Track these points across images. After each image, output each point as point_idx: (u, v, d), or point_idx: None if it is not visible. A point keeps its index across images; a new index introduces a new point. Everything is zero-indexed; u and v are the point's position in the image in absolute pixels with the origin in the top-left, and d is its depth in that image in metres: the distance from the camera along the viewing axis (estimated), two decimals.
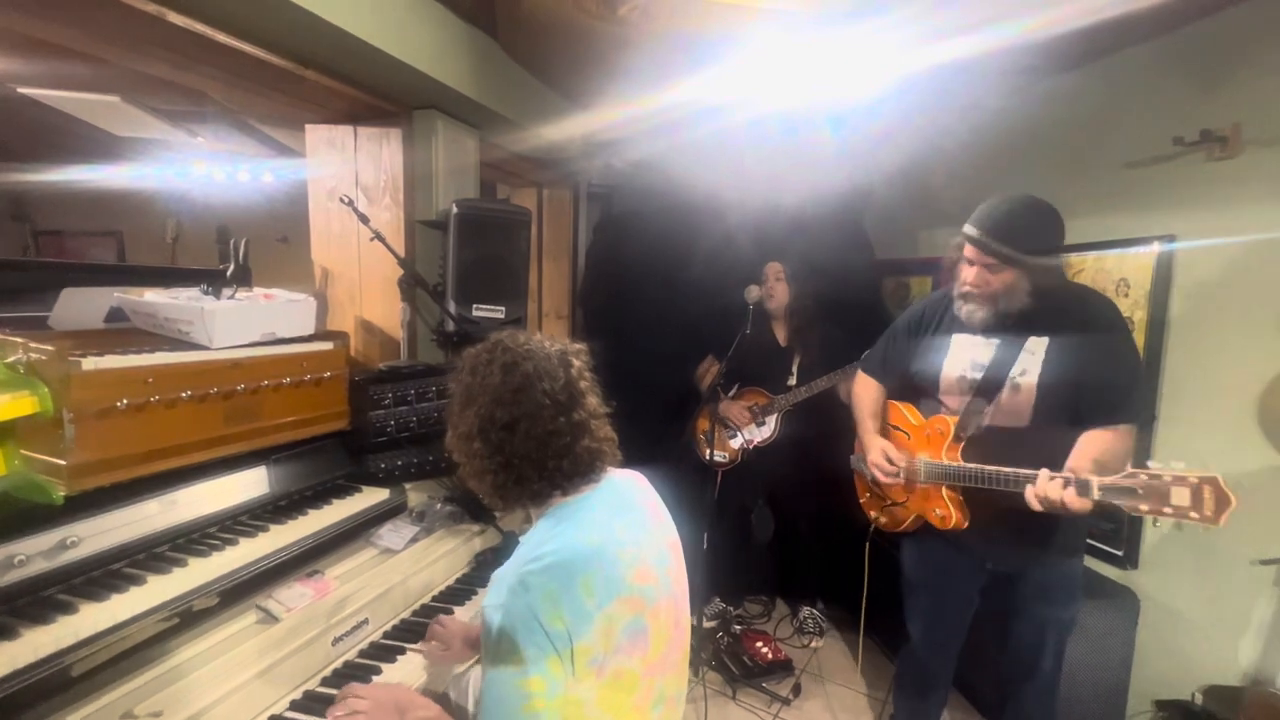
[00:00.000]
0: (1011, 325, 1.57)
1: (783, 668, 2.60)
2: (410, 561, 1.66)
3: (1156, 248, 2.02)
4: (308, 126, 2.27)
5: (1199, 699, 1.94)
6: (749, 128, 2.62)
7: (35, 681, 0.95)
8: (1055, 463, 1.42)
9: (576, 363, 1.09)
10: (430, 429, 1.87)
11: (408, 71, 1.81)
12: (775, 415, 2.76)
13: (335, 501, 1.64)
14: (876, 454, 1.78)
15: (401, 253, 2.06)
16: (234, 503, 1.44)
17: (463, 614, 1.60)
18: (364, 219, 1.94)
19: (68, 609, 1.07)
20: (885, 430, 1.88)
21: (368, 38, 1.59)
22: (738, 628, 2.83)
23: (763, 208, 2.99)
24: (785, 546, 3.01)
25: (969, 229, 1.55)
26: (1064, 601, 1.69)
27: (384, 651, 1.43)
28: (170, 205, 4.33)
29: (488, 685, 0.93)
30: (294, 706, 1.24)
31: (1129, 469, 1.31)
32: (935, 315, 1.76)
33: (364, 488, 1.74)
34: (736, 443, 2.79)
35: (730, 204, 3.10)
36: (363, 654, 1.42)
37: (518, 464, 1.01)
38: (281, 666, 1.26)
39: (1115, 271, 2.15)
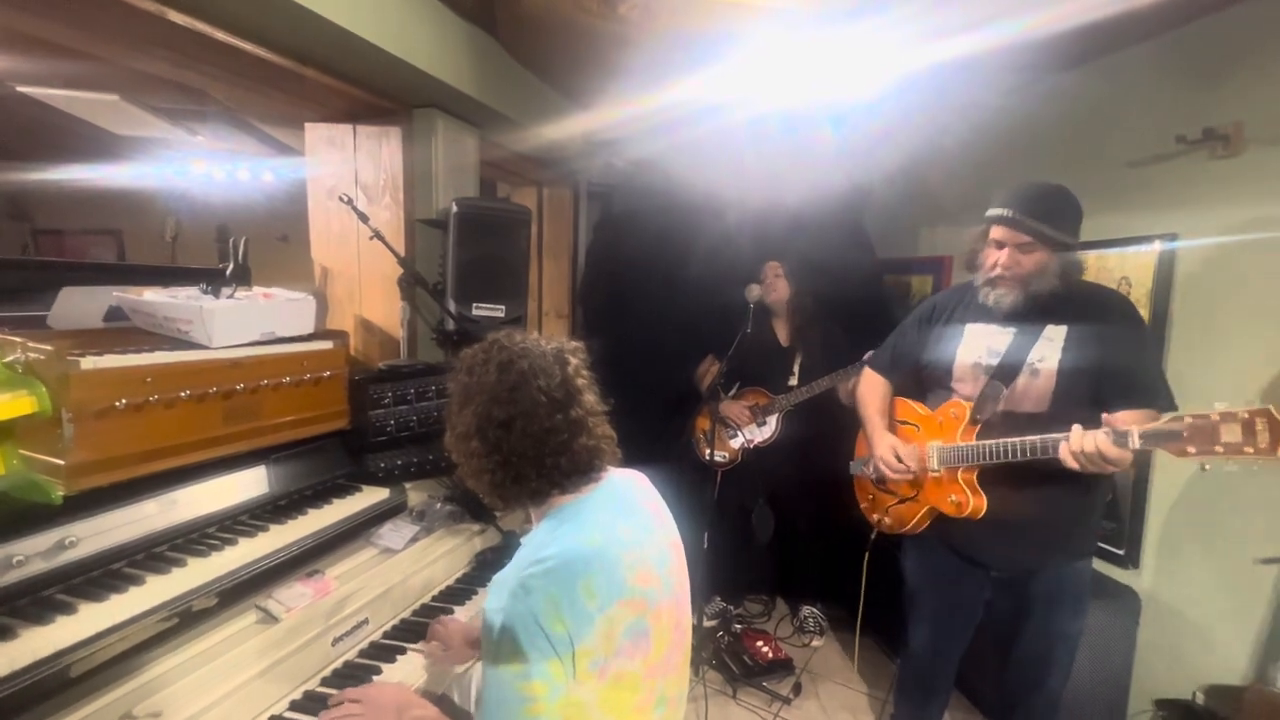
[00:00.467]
0: (1030, 314, 1.56)
1: (783, 667, 2.60)
2: (410, 561, 1.66)
3: (1158, 246, 2.01)
4: (307, 125, 2.27)
5: (1200, 698, 1.94)
6: (749, 126, 2.62)
7: (34, 682, 0.94)
8: None
9: (573, 360, 1.08)
10: (430, 428, 1.86)
11: (407, 70, 1.81)
12: (776, 415, 2.76)
13: (335, 501, 1.64)
14: (885, 449, 1.75)
15: (401, 251, 2.05)
16: (233, 502, 1.44)
17: (463, 613, 1.60)
18: (364, 218, 1.94)
19: (67, 609, 1.06)
20: (892, 427, 1.86)
21: (368, 36, 1.59)
22: (738, 627, 2.83)
23: (763, 206, 2.98)
24: (785, 546, 3.01)
25: (999, 210, 1.54)
26: (1072, 611, 1.67)
27: (384, 651, 1.43)
28: (170, 204, 4.33)
29: (488, 687, 0.92)
30: (294, 707, 1.23)
31: (1178, 415, 1.27)
32: (949, 307, 1.76)
33: (364, 487, 1.73)
34: (737, 442, 2.78)
35: (730, 203, 3.09)
36: (363, 654, 1.42)
37: (515, 462, 1.01)
38: (281, 667, 1.26)
39: (1117, 270, 2.15)
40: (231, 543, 1.36)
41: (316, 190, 2.29)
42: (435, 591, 1.69)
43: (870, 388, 1.93)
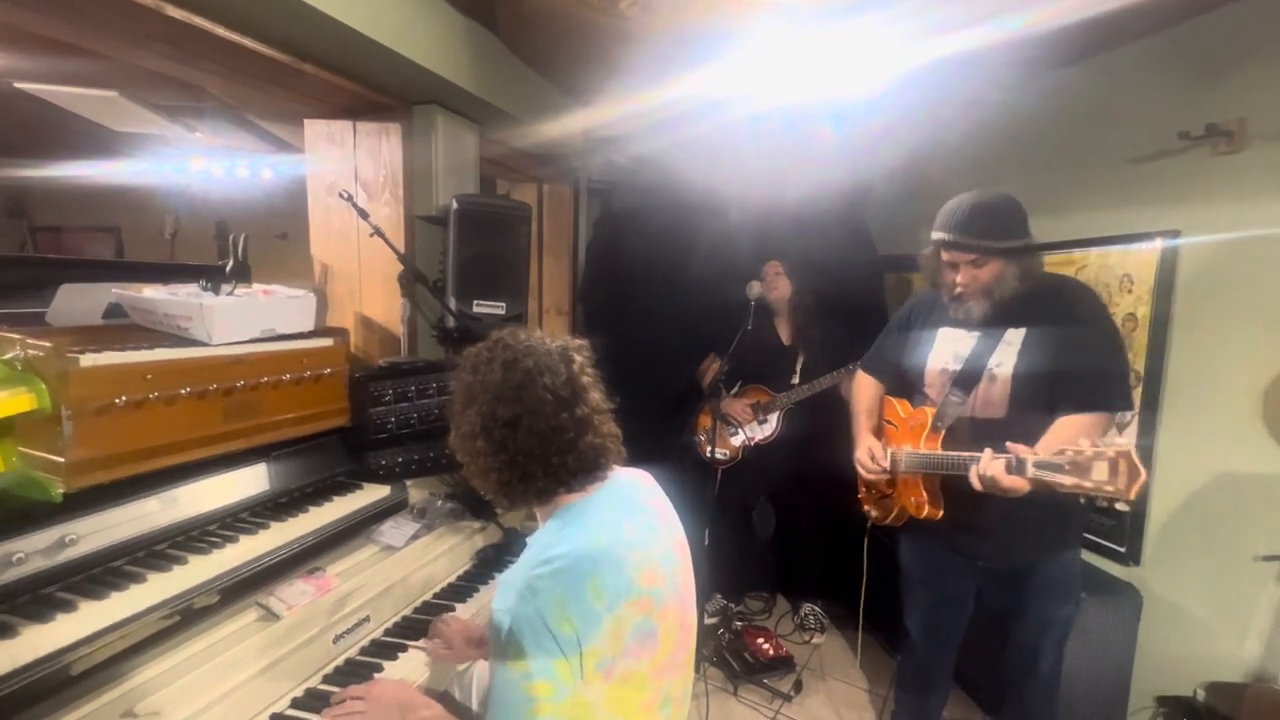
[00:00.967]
0: (994, 318, 1.59)
1: (784, 664, 2.60)
2: (411, 558, 1.66)
3: (1160, 243, 2.01)
4: (306, 121, 2.26)
5: (1201, 695, 1.94)
6: (750, 123, 2.61)
7: (35, 680, 0.94)
8: None
9: (578, 358, 1.08)
10: (431, 425, 1.86)
11: (407, 65, 1.80)
12: (777, 413, 2.76)
13: (336, 498, 1.64)
14: (862, 451, 1.82)
15: (401, 248, 2.04)
16: (234, 500, 1.44)
17: (464, 611, 1.59)
18: (364, 214, 1.93)
19: (68, 607, 1.06)
20: (880, 425, 1.90)
21: (367, 31, 1.58)
22: (739, 624, 2.83)
23: (764, 203, 2.97)
24: (786, 543, 3.01)
25: (939, 235, 1.59)
26: (1061, 599, 1.68)
27: (385, 649, 1.43)
28: (168, 201, 4.33)
29: (495, 687, 0.92)
30: (296, 704, 1.23)
31: (1061, 448, 1.31)
32: (924, 310, 1.80)
33: (365, 485, 1.73)
34: (738, 440, 2.78)
35: (731, 200, 3.08)
36: (364, 651, 1.42)
37: (522, 461, 1.00)
38: (283, 664, 1.25)
39: (1119, 267, 2.14)
40: (232, 540, 1.36)
41: (316, 187, 2.28)
42: (436, 589, 1.69)
43: (860, 387, 1.98)
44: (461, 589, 1.70)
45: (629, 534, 1.00)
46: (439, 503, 1.85)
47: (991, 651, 1.85)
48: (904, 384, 1.85)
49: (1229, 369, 1.87)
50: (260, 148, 3.43)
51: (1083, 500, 1.59)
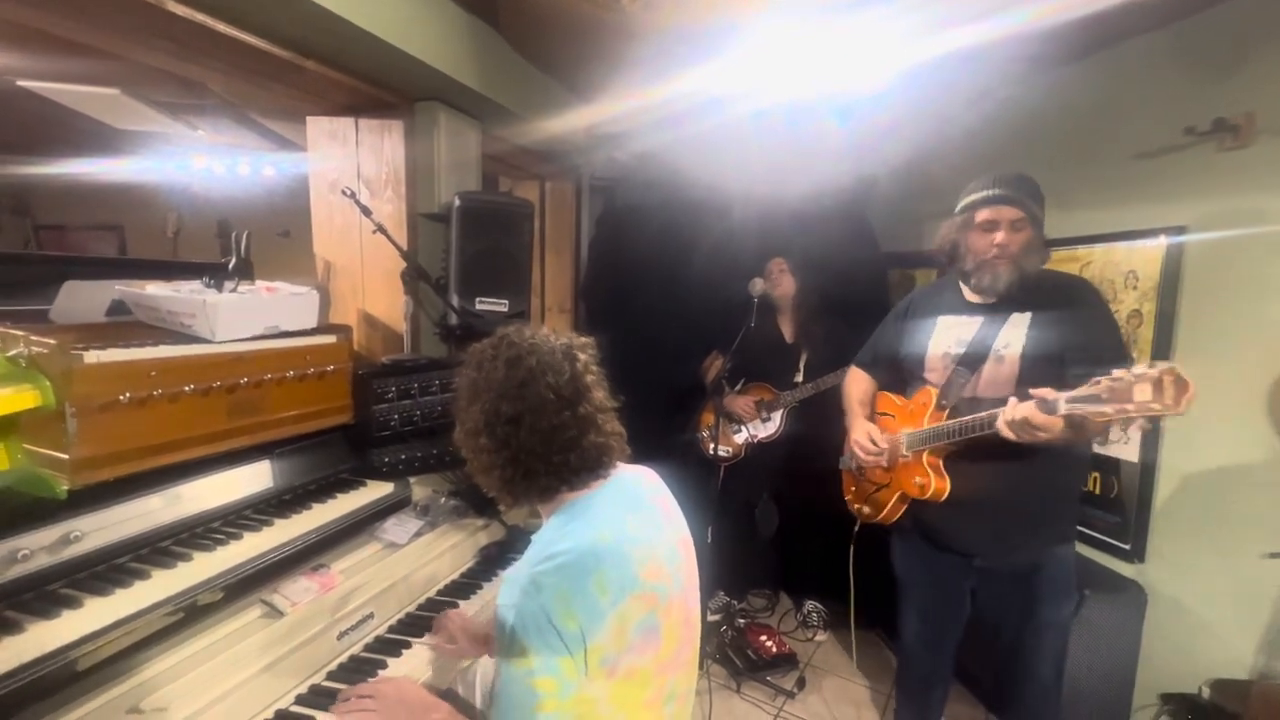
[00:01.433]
0: (997, 303, 1.61)
1: (787, 661, 2.60)
2: (415, 556, 1.66)
3: (1166, 240, 2.00)
4: (308, 119, 2.25)
5: (1206, 692, 1.93)
6: (753, 119, 2.60)
7: (40, 676, 0.94)
8: None
9: (582, 356, 1.08)
10: (434, 423, 1.86)
11: (409, 62, 1.79)
12: (781, 411, 2.75)
13: (339, 495, 1.64)
14: (860, 434, 1.81)
15: (404, 245, 2.04)
16: (238, 497, 1.44)
17: (468, 608, 1.60)
18: (366, 211, 1.93)
19: (72, 604, 1.06)
20: (873, 419, 1.90)
21: (369, 28, 1.57)
22: (742, 621, 2.83)
23: (767, 200, 2.97)
24: (789, 541, 3.01)
25: (987, 192, 1.58)
26: (1058, 600, 1.67)
27: (389, 646, 1.43)
28: (171, 199, 4.32)
29: (501, 684, 0.92)
30: (300, 700, 1.23)
31: (1095, 379, 1.28)
32: (923, 302, 1.82)
33: (368, 482, 1.73)
34: (741, 437, 2.78)
35: (734, 197, 3.07)
36: (368, 648, 1.42)
37: (524, 459, 1.00)
38: (287, 661, 1.26)
39: (1124, 263, 2.13)
40: (236, 537, 1.36)
41: (318, 184, 2.28)
42: (440, 586, 1.69)
43: (854, 382, 1.99)
44: (465, 586, 1.70)
45: (633, 530, 1.00)
46: (442, 500, 1.85)
47: (993, 650, 1.84)
48: (900, 377, 1.86)
49: (1234, 366, 1.86)
50: (262, 145, 3.42)
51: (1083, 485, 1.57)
